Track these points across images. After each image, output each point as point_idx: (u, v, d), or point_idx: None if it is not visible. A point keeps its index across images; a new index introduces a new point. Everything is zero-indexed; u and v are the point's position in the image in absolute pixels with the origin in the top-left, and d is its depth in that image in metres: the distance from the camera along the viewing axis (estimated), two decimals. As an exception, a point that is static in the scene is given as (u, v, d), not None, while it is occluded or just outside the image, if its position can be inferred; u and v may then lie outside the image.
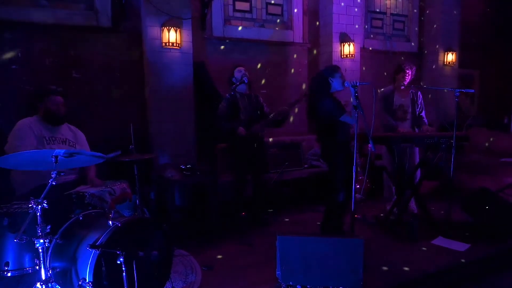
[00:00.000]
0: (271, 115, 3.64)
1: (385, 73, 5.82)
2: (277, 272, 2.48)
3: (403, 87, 3.87)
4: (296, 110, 4.94)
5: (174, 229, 3.37)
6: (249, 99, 3.67)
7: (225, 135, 3.65)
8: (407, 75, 3.84)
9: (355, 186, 2.78)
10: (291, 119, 5.30)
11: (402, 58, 6.06)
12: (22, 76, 3.75)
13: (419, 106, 3.95)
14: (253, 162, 3.65)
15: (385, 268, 2.82)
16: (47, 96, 2.81)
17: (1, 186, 2.67)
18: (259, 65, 5.07)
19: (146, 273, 2.13)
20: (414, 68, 3.90)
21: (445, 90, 5.45)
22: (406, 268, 2.82)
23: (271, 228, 3.72)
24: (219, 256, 3.07)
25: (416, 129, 3.94)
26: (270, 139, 4.67)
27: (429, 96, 5.94)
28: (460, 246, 3.17)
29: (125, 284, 1.92)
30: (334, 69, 3.12)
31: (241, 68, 3.66)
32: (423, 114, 3.96)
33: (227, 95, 3.64)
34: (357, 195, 3.55)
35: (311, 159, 4.83)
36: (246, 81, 3.54)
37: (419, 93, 3.98)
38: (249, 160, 3.61)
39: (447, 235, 3.35)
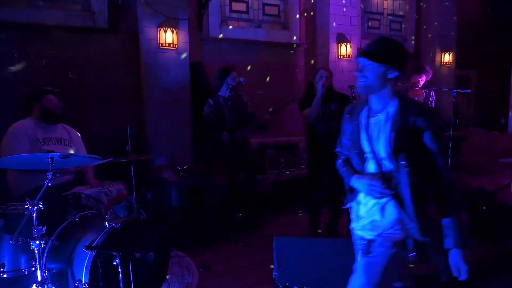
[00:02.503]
0: (255, 122, 3.63)
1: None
2: (274, 273, 2.48)
3: (417, 87, 3.83)
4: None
5: (171, 230, 3.37)
6: (233, 102, 3.54)
7: (214, 139, 3.64)
8: (422, 79, 3.80)
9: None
10: (289, 120, 5.31)
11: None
12: (18, 77, 3.74)
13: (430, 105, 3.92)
14: (241, 163, 3.63)
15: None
16: (42, 95, 2.80)
17: (-3, 187, 2.66)
18: (255, 66, 5.07)
19: (143, 274, 2.13)
20: (430, 73, 3.86)
21: (442, 91, 5.47)
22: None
23: (268, 229, 3.72)
24: (216, 257, 3.07)
25: None
26: (265, 140, 4.67)
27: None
28: (457, 246, 3.17)
29: (122, 286, 1.92)
30: (319, 69, 3.26)
31: (235, 73, 3.55)
32: None
33: (210, 100, 3.50)
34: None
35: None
36: (236, 85, 3.49)
37: (432, 92, 3.96)
38: (238, 162, 3.60)
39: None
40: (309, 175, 3.37)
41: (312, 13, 5.42)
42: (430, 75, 3.89)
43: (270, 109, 3.87)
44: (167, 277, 2.40)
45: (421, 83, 3.86)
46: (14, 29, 3.70)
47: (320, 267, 2.40)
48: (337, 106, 3.06)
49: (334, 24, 5.19)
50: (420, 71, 3.86)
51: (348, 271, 2.38)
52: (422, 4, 6.31)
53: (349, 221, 2.69)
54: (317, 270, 2.41)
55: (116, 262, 1.89)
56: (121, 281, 1.91)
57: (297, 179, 4.52)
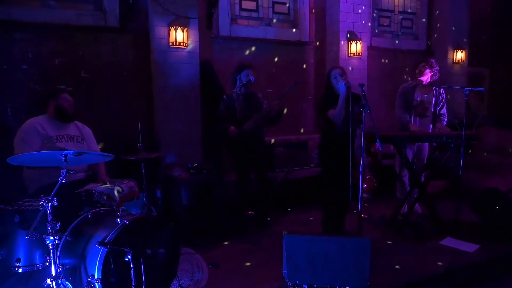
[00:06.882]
0: (263, 110, 3.52)
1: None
2: (283, 271, 2.48)
3: (424, 82, 3.74)
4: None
5: (181, 227, 3.40)
6: (245, 98, 3.58)
7: (224, 135, 3.65)
8: (424, 73, 3.70)
9: (362, 185, 2.77)
10: (298, 118, 5.30)
11: (405, 55, 6.01)
12: (32, 76, 3.81)
13: (440, 103, 3.83)
14: (254, 160, 3.63)
15: (392, 268, 2.81)
16: (58, 94, 2.86)
17: (13, 184, 2.71)
18: (265, 64, 5.06)
19: (154, 270, 2.15)
20: (436, 68, 3.72)
21: (455, 89, 5.39)
22: (413, 268, 2.80)
23: (278, 227, 3.72)
24: (226, 255, 3.09)
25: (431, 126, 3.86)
26: (272, 140, 4.66)
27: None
28: (469, 247, 3.14)
29: (133, 281, 1.95)
30: (330, 69, 3.25)
31: (249, 71, 3.55)
32: (443, 111, 3.84)
33: (224, 96, 3.63)
34: (364, 194, 3.54)
35: (317, 159, 4.82)
36: (246, 83, 3.51)
37: (442, 90, 3.84)
38: (249, 159, 3.59)
39: (456, 235, 3.32)
40: (324, 175, 3.30)
41: (322, 11, 5.38)
42: (436, 69, 3.73)
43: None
44: (178, 273, 2.42)
45: (426, 78, 3.72)
46: (27, 28, 3.76)
47: (330, 266, 2.40)
48: (358, 107, 3.01)
49: (344, 22, 5.15)
50: (421, 65, 3.70)
51: (358, 269, 2.38)
52: (434, 1, 6.21)
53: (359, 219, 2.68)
54: (327, 268, 2.40)
55: (128, 258, 1.92)
56: (132, 277, 1.94)
57: (306, 178, 4.52)
